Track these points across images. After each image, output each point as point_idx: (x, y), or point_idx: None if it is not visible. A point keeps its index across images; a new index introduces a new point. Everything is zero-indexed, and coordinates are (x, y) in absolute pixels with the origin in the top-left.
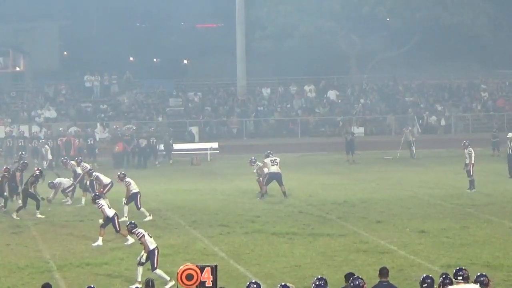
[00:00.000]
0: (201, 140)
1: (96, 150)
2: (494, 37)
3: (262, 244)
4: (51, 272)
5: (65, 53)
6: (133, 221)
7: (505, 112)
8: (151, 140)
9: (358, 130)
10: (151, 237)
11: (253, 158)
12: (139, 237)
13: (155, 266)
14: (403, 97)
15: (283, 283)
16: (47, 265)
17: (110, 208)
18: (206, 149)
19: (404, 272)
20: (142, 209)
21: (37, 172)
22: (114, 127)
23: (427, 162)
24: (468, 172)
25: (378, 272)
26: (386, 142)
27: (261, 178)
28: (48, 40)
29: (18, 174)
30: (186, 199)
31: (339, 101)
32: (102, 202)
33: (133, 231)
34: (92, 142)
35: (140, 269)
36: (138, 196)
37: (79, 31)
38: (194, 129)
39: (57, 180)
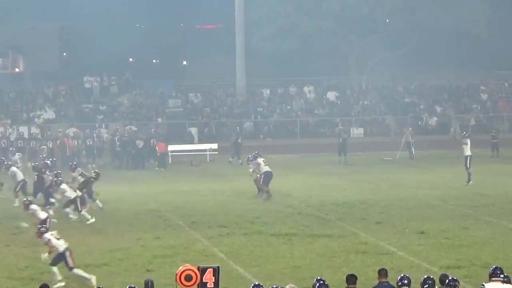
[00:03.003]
0: (201, 141)
1: (95, 151)
2: (493, 38)
3: (262, 245)
4: (51, 273)
5: (65, 54)
6: (43, 226)
7: (505, 113)
8: (151, 141)
9: (358, 131)
10: (59, 239)
11: (250, 156)
12: (46, 242)
13: (71, 265)
14: (403, 98)
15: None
16: (47, 266)
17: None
18: (205, 150)
19: (403, 273)
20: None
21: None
22: (115, 128)
23: (427, 163)
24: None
25: (377, 273)
26: (385, 143)
27: (259, 176)
28: (48, 41)
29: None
30: (186, 200)
31: (339, 102)
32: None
33: (41, 237)
34: (91, 143)
35: (55, 269)
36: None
37: (79, 32)
38: (194, 130)
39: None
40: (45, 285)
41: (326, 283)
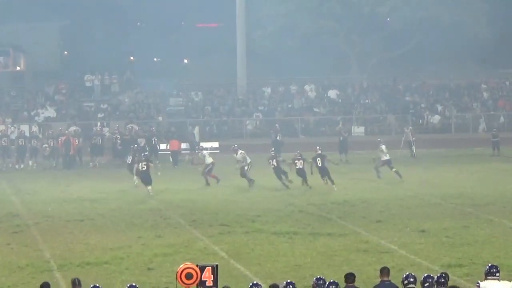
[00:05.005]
0: (202, 139)
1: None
2: (494, 37)
3: (263, 244)
4: (52, 271)
5: (66, 52)
6: None
7: (506, 112)
8: (153, 140)
9: (359, 130)
10: None
11: (235, 145)
12: None
13: None
14: (403, 96)
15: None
16: (48, 265)
17: None
18: (206, 149)
19: (404, 272)
20: None
21: None
22: (116, 126)
23: (427, 162)
24: None
25: (378, 272)
26: (386, 142)
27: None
28: (49, 39)
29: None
30: (186, 198)
31: (340, 100)
32: None
33: None
34: (98, 141)
35: None
36: None
37: (80, 31)
38: (195, 129)
39: None
40: (46, 284)
41: (326, 281)
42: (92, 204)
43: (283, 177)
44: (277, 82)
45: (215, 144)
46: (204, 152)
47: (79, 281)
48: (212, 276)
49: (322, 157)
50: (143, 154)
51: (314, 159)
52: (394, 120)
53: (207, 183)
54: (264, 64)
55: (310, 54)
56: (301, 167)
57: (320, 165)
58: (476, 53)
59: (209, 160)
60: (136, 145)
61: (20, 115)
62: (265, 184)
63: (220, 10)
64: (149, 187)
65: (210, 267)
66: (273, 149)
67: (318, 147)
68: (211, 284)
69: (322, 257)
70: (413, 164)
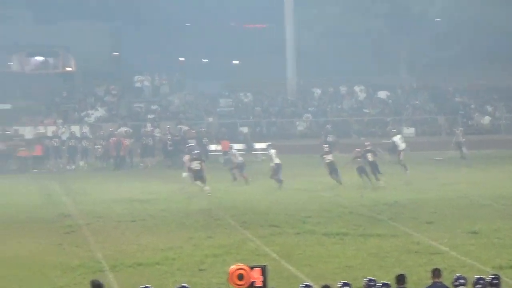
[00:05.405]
0: (252, 140)
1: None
2: None
3: (313, 245)
4: (103, 272)
5: (116, 53)
6: None
7: None
8: (203, 140)
9: (409, 131)
10: None
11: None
12: None
13: None
14: (453, 97)
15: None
16: (99, 265)
17: None
18: (257, 150)
19: (455, 273)
20: None
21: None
22: (167, 127)
23: (477, 163)
24: None
25: (429, 273)
26: (436, 143)
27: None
28: (99, 40)
29: None
30: (237, 199)
31: (390, 101)
32: None
33: None
34: (149, 142)
35: None
36: None
37: (129, 32)
38: (245, 129)
39: None
40: (96, 281)
41: (377, 283)
42: (143, 204)
43: (338, 173)
44: (327, 83)
45: (265, 145)
46: (272, 151)
47: (99, 284)
48: (262, 276)
49: (373, 152)
50: (194, 152)
51: (364, 155)
52: (444, 121)
53: (280, 184)
54: (313, 65)
55: (359, 55)
56: (372, 159)
57: (371, 159)
58: None
59: (276, 160)
60: (190, 145)
61: (71, 116)
62: (314, 186)
63: (269, 10)
64: (206, 187)
65: (260, 268)
66: (327, 145)
67: (367, 143)
68: (261, 285)
69: (373, 258)
70: (463, 165)
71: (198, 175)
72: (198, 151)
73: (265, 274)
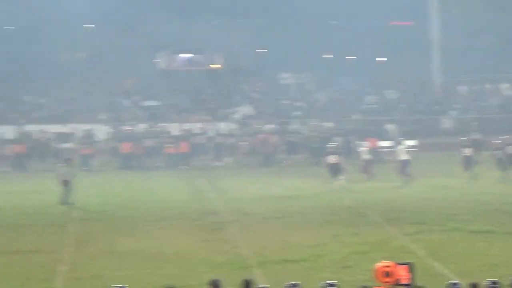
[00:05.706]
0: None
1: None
2: None
3: (459, 242)
4: (250, 268)
5: (261, 50)
6: None
7: None
8: (349, 138)
9: None
10: None
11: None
12: None
13: None
14: None
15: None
16: (246, 262)
17: None
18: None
19: None
20: None
21: None
22: (313, 124)
23: None
24: None
25: None
26: None
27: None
28: (244, 37)
29: None
30: (382, 197)
31: None
32: None
33: None
34: (296, 139)
35: None
36: None
37: (275, 29)
38: (390, 127)
39: None
40: (216, 281)
41: None
42: (289, 201)
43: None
44: (471, 80)
45: (413, 143)
46: (400, 147)
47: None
48: (409, 274)
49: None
50: (328, 146)
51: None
52: None
53: (408, 179)
54: (457, 62)
55: (505, 52)
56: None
57: (510, 152)
58: None
59: (403, 157)
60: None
61: (218, 113)
62: (459, 183)
63: (414, 7)
64: (341, 177)
65: (407, 265)
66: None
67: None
68: (407, 282)
69: None
70: None
71: (334, 169)
72: (336, 144)
73: (412, 271)
